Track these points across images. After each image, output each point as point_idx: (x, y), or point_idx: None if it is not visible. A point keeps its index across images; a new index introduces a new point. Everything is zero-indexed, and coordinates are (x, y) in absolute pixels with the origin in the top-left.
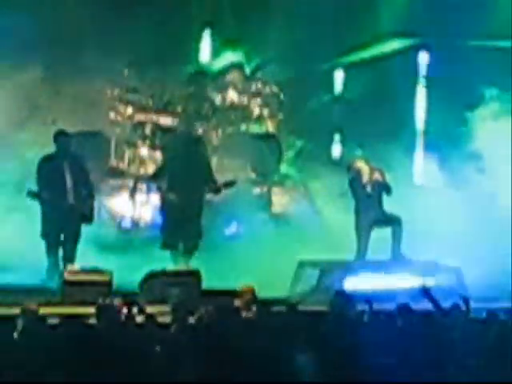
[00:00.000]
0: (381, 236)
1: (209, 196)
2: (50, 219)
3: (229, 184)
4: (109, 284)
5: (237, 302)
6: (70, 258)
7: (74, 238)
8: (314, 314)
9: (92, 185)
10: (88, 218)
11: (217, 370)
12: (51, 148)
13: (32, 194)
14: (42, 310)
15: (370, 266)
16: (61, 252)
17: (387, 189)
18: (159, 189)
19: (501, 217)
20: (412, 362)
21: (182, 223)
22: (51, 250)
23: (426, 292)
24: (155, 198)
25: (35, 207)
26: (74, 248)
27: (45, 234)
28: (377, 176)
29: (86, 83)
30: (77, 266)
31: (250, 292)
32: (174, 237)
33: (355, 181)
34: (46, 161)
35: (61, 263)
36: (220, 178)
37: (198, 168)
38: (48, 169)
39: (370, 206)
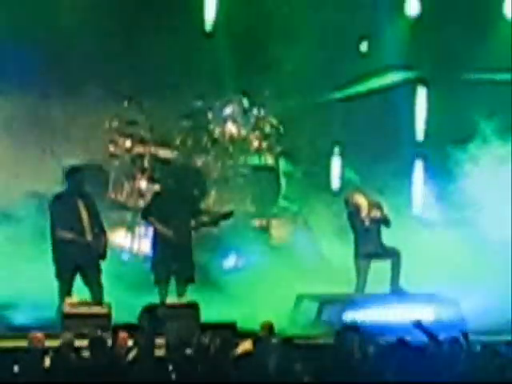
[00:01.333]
0: (379, 268)
1: (208, 228)
2: (66, 258)
3: (226, 215)
4: (108, 316)
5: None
6: (97, 298)
7: (98, 276)
8: (312, 348)
9: (102, 221)
10: (102, 255)
11: None
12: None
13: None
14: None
15: (370, 300)
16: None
17: (386, 222)
18: (149, 224)
19: (497, 250)
20: None
21: (172, 257)
22: (64, 288)
23: (419, 326)
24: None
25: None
26: (100, 288)
27: (59, 274)
28: (375, 209)
29: (85, 115)
30: (75, 298)
31: (267, 328)
32: (166, 271)
33: (353, 214)
34: (60, 198)
35: None
36: (219, 210)
37: (188, 200)
38: (62, 206)
39: (369, 239)
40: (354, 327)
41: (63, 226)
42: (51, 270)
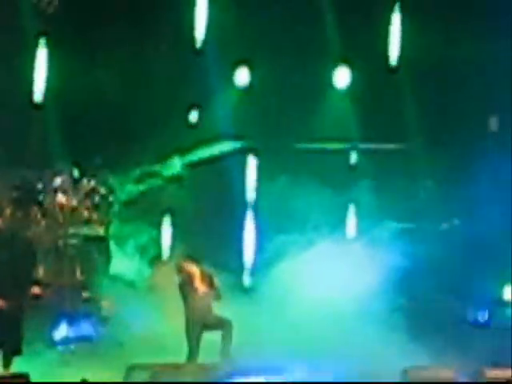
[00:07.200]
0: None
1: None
2: None
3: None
4: None
5: None
6: None
7: None
8: None
9: None
10: None
11: None
12: None
13: None
14: None
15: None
16: None
17: (217, 296)
18: None
19: None
20: None
21: (2, 328)
22: None
23: None
24: None
25: None
26: None
27: None
28: (207, 281)
29: None
30: None
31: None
32: None
33: (186, 284)
34: None
35: None
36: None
37: (19, 271)
38: None
39: (200, 309)
40: None
41: None
42: None
